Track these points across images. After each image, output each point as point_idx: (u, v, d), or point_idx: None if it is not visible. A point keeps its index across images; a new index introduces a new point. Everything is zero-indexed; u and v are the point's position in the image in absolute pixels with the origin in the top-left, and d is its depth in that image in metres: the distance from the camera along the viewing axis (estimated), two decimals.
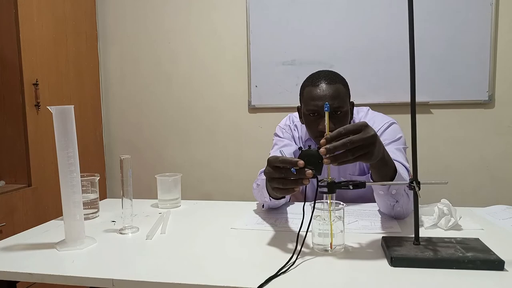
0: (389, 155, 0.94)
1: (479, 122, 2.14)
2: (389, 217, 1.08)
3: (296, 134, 1.38)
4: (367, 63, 2.18)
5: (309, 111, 1.19)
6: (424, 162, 1.85)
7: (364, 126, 0.80)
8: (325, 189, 0.81)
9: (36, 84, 1.94)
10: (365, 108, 1.37)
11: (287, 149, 1.30)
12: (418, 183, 0.81)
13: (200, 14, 2.41)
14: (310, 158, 0.80)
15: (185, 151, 2.51)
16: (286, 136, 1.38)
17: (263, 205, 1.20)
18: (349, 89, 1.24)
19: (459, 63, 2.09)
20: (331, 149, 0.77)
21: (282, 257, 0.81)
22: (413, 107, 0.80)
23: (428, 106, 2.16)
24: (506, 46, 2.06)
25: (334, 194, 0.82)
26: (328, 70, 1.24)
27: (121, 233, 1.01)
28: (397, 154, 1.16)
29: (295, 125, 1.39)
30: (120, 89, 2.58)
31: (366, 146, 0.80)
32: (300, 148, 0.83)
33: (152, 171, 1.59)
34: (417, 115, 0.80)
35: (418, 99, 1.72)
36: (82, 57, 2.34)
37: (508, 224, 1.00)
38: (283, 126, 1.41)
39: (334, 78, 1.19)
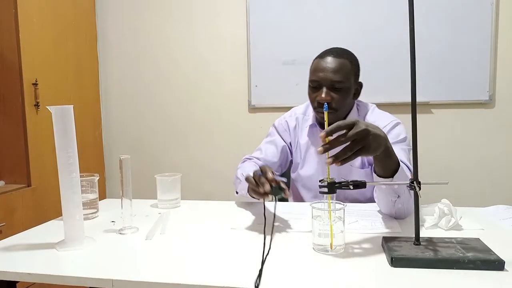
0: (392, 148, 0.94)
1: (479, 122, 2.13)
2: (390, 217, 1.08)
3: (292, 125, 1.42)
4: (367, 63, 2.15)
5: (310, 82, 1.26)
6: (424, 162, 1.85)
7: (356, 122, 0.83)
8: (325, 189, 0.81)
9: (35, 84, 1.94)
10: (371, 105, 1.37)
11: (269, 146, 1.39)
12: (419, 183, 0.81)
13: (200, 15, 2.41)
14: (276, 191, 0.93)
15: (185, 151, 2.51)
16: (281, 130, 1.43)
17: (236, 192, 1.28)
18: (357, 68, 1.27)
19: (459, 63, 2.09)
20: (329, 147, 0.81)
21: (281, 257, 0.81)
22: (413, 107, 0.80)
23: (428, 106, 2.16)
24: (506, 46, 2.06)
25: (334, 194, 0.82)
26: (340, 47, 1.28)
27: (120, 233, 1.00)
28: (401, 154, 1.16)
29: (296, 118, 1.43)
30: (120, 89, 2.58)
31: (361, 140, 0.82)
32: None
33: (152, 171, 1.59)
34: (417, 115, 0.80)
35: (418, 99, 1.71)
36: (82, 57, 2.33)
37: (508, 224, 1.00)
38: (281, 119, 1.46)
39: (341, 53, 1.24)
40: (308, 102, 1.36)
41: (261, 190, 0.94)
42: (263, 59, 2.31)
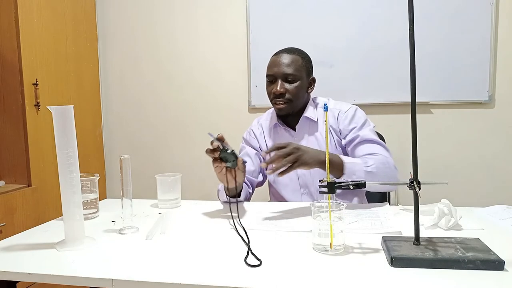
0: (327, 157, 1.00)
1: (479, 122, 2.13)
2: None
3: (257, 132, 1.49)
4: (367, 63, 2.18)
5: (267, 76, 1.37)
6: (424, 162, 1.85)
7: (289, 143, 1.08)
8: (325, 189, 0.82)
9: (36, 84, 1.94)
10: (328, 98, 1.46)
11: (244, 157, 1.44)
12: (418, 183, 0.81)
13: (200, 14, 2.41)
14: (227, 155, 1.10)
15: (185, 151, 2.51)
16: (249, 139, 1.51)
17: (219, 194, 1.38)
18: (309, 64, 1.38)
19: (459, 63, 2.09)
20: (269, 162, 1.06)
21: (282, 257, 0.81)
22: (413, 107, 0.80)
23: (428, 106, 2.16)
24: (506, 46, 2.05)
25: (334, 194, 0.83)
26: (293, 46, 1.40)
27: (121, 233, 1.01)
28: (371, 135, 1.31)
29: (261, 124, 1.50)
30: (120, 89, 2.58)
31: (294, 155, 1.06)
32: (221, 149, 1.09)
33: (152, 171, 1.59)
34: (417, 115, 0.80)
35: (418, 99, 1.71)
36: (82, 57, 2.34)
37: (508, 224, 1.00)
38: (248, 130, 1.53)
39: (293, 51, 1.36)
40: (270, 109, 1.48)
41: (214, 153, 1.09)
42: (263, 59, 2.29)
